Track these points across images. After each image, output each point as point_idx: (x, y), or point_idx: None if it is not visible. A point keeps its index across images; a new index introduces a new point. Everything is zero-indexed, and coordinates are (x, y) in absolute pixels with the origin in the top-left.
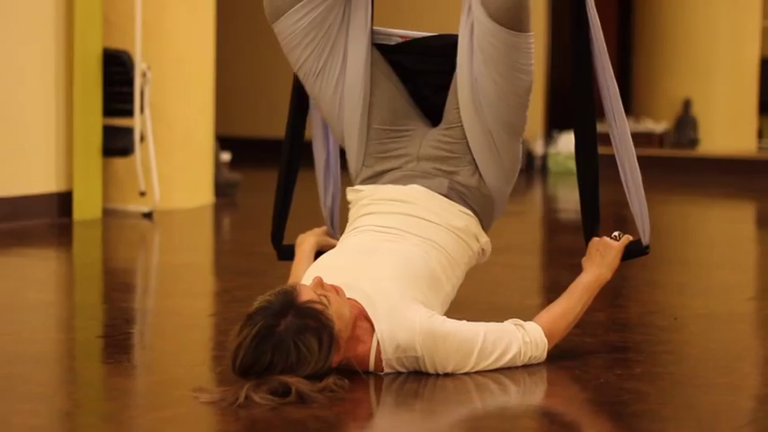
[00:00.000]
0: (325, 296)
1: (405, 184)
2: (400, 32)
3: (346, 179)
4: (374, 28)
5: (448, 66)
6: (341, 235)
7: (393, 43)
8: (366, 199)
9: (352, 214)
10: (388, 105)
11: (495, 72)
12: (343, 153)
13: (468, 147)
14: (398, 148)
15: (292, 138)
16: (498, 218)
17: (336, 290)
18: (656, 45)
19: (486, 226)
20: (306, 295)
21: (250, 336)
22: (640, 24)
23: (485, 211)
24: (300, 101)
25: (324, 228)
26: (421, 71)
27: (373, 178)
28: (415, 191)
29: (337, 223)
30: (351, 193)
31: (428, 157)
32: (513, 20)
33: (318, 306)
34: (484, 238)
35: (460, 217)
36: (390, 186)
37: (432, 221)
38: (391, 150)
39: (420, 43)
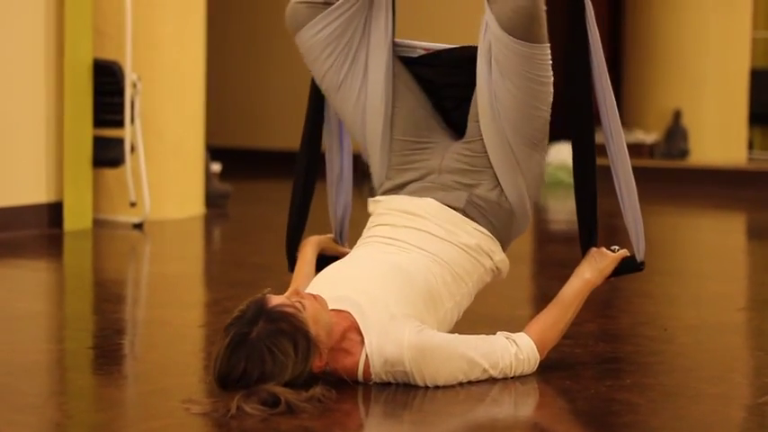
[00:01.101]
0: (300, 302)
1: (423, 196)
2: (423, 44)
3: (357, 192)
4: (397, 40)
5: (470, 79)
6: (348, 245)
7: (416, 55)
8: (381, 208)
9: (368, 224)
10: (411, 117)
11: (512, 84)
12: (357, 164)
13: (489, 160)
14: (420, 160)
15: (309, 149)
16: (520, 234)
17: (315, 297)
18: (647, 56)
19: (504, 242)
20: (276, 300)
21: (224, 346)
22: (631, 35)
23: (503, 226)
24: (317, 111)
25: (330, 235)
26: (444, 84)
27: (394, 190)
28: (428, 204)
29: (346, 234)
30: (371, 204)
31: (449, 169)
32: (525, 31)
33: (289, 309)
34: (498, 257)
35: (473, 234)
36: (406, 197)
37: (439, 237)
38: (413, 162)
39: (443, 55)
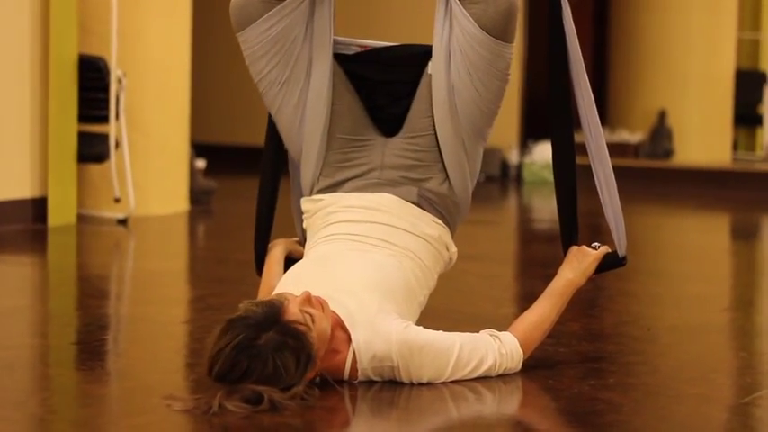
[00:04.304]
0: (310, 314)
1: (372, 192)
2: (359, 42)
3: None
4: (333, 37)
5: (407, 76)
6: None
7: (351, 53)
8: (331, 206)
9: (313, 224)
10: (349, 115)
11: (479, 81)
12: None
13: (440, 154)
14: (359, 157)
15: (275, 149)
16: (461, 222)
17: (322, 304)
18: (632, 56)
19: (452, 233)
20: (291, 314)
21: (230, 344)
22: (616, 35)
23: (452, 218)
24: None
25: (296, 239)
26: (379, 81)
27: (332, 187)
28: (385, 199)
29: None
30: (308, 203)
31: (393, 165)
32: (505, 31)
33: (302, 327)
34: (453, 248)
35: (433, 227)
36: (355, 195)
37: (407, 230)
38: (352, 160)
39: (380, 53)
